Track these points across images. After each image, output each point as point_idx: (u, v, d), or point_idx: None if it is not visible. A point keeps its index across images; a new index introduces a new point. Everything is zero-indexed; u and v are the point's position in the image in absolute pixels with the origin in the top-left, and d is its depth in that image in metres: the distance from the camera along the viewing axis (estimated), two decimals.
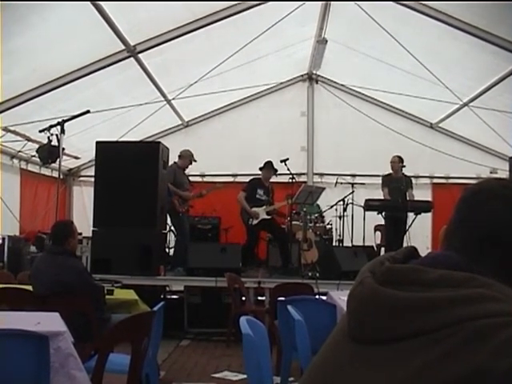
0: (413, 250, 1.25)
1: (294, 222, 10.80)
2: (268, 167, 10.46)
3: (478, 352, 0.94)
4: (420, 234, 11.30)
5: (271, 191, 10.64)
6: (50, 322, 3.78)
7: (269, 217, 10.35)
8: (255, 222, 10.21)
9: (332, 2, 9.96)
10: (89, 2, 7.52)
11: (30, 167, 11.98)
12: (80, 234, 9.13)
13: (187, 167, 10.42)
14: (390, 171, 10.97)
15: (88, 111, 7.79)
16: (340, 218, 11.62)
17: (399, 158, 10.80)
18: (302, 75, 14.00)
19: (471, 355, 0.95)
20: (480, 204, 1.20)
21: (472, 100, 11.15)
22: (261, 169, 10.57)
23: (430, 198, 12.67)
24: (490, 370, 0.92)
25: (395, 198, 10.59)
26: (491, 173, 13.06)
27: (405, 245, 9.90)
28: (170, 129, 13.95)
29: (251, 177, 10.94)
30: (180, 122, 13.91)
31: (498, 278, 1.08)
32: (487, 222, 1.17)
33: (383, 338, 1.06)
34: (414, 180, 11.58)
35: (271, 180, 10.96)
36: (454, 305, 1.01)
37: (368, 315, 1.10)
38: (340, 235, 11.66)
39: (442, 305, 1.02)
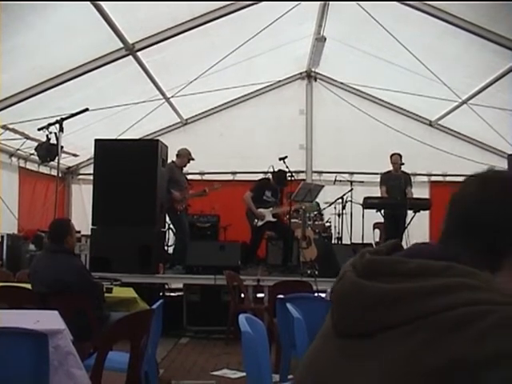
0: (397, 243, 1.25)
1: (292, 220, 10.78)
2: (277, 178, 10.25)
3: (458, 341, 0.95)
4: (418, 231, 11.28)
5: (280, 192, 10.58)
6: (49, 320, 3.78)
7: (274, 219, 10.30)
8: (260, 223, 10.17)
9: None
10: (87, 2, 7.51)
11: (29, 165, 11.98)
12: (79, 232, 9.16)
13: (185, 166, 10.40)
14: (389, 169, 10.98)
15: (87, 109, 7.79)
16: (339, 215, 11.64)
17: (400, 155, 10.82)
18: (300, 73, 14.01)
19: (451, 344, 0.95)
20: (463, 194, 1.21)
21: (471, 97, 11.15)
22: (272, 176, 10.44)
23: (428, 196, 12.68)
24: (469, 359, 0.92)
25: (394, 196, 10.61)
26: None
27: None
28: (168, 127, 13.96)
29: (250, 175, 10.93)
30: (179, 120, 13.92)
31: (477, 266, 1.08)
32: (467, 211, 1.18)
33: (364, 330, 1.07)
34: (412, 178, 11.59)
35: None
36: (433, 294, 1.01)
37: (349, 308, 1.11)
38: (339, 233, 11.68)
39: (421, 294, 1.02)
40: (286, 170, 10.13)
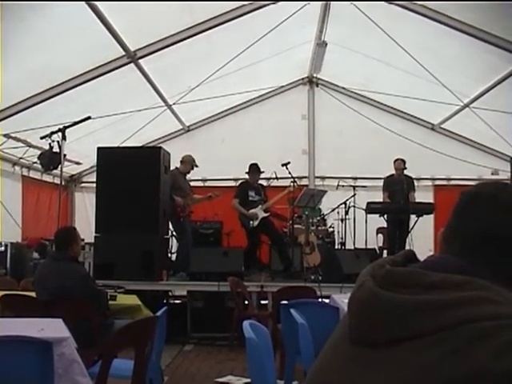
0: (411, 253, 1.25)
1: (295, 226, 10.79)
2: (253, 171, 10.43)
3: (477, 354, 0.95)
4: (422, 235, 11.28)
5: (262, 190, 10.62)
6: (53, 328, 3.78)
7: (267, 214, 10.34)
8: (256, 223, 10.19)
9: (332, 4, 9.95)
10: (88, 9, 7.52)
11: (32, 174, 11.99)
12: (82, 239, 9.15)
13: (189, 172, 10.41)
14: (392, 172, 10.98)
15: (89, 117, 7.79)
16: (342, 220, 11.64)
17: (403, 161, 10.82)
18: (302, 78, 14.02)
19: (470, 357, 0.95)
20: (477, 208, 1.20)
21: (473, 101, 11.14)
22: (247, 173, 10.55)
23: (431, 200, 12.65)
24: (489, 372, 0.92)
25: (397, 200, 10.60)
26: (493, 174, 13.07)
27: (407, 247, 9.91)
28: (171, 134, 13.98)
29: None
30: (181, 127, 13.93)
31: (496, 281, 1.08)
32: (485, 226, 1.17)
33: (384, 340, 1.07)
34: (415, 182, 11.58)
35: (273, 184, 11.02)
36: (453, 307, 1.01)
37: (368, 318, 1.11)
38: (342, 238, 11.68)
39: (441, 307, 1.02)
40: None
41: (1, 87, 8.23)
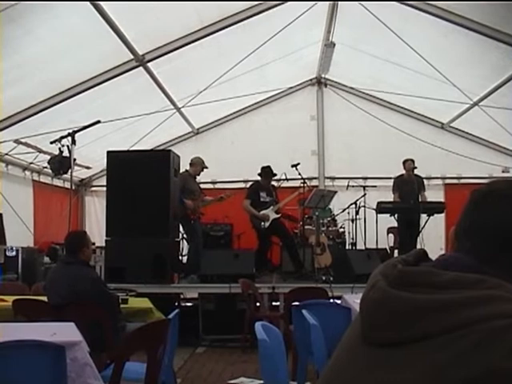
0: (423, 252, 1.25)
1: (306, 227, 10.79)
2: (265, 174, 10.41)
3: (491, 353, 0.95)
4: (433, 235, 11.26)
5: (273, 191, 10.61)
6: (65, 332, 3.79)
7: (278, 215, 10.33)
8: (267, 224, 10.19)
9: (339, 4, 9.95)
10: (97, 13, 7.54)
11: (43, 179, 12.04)
12: (93, 243, 9.17)
13: (199, 174, 10.42)
14: (402, 172, 10.95)
15: (98, 121, 7.82)
16: (352, 221, 11.62)
17: (413, 161, 10.79)
18: (310, 79, 14.02)
19: (484, 356, 0.95)
20: (490, 206, 1.19)
21: (482, 99, 11.09)
22: (259, 175, 10.54)
23: (442, 199, 12.61)
24: (502, 370, 0.92)
25: (407, 200, 10.57)
26: (503, 172, 13.02)
27: (418, 246, 9.88)
28: (180, 137, 14.00)
29: None
30: (190, 130, 13.95)
31: (510, 280, 1.07)
32: (499, 225, 1.16)
33: (396, 340, 1.06)
34: (426, 181, 11.55)
35: (283, 185, 11.03)
36: (467, 306, 1.01)
37: (381, 318, 1.10)
38: (353, 238, 11.65)
39: (455, 306, 1.02)
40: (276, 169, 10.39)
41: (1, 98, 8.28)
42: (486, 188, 1.24)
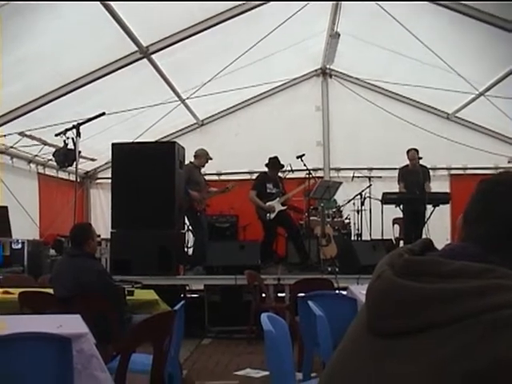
0: (429, 241, 1.24)
1: (311, 218, 10.79)
2: (273, 165, 10.38)
3: (497, 342, 0.93)
4: (439, 225, 11.24)
5: (280, 182, 10.61)
6: (71, 324, 3.80)
7: (284, 207, 10.32)
8: (273, 215, 10.18)
9: None
10: (101, 6, 7.53)
11: (48, 171, 12.06)
12: (99, 236, 9.19)
13: (203, 166, 10.42)
14: (407, 163, 10.93)
15: (103, 113, 7.81)
16: (358, 212, 11.61)
17: (416, 150, 10.75)
18: (315, 70, 13.98)
19: (491, 346, 0.94)
20: (499, 196, 1.18)
21: (488, 89, 11.04)
22: (266, 165, 10.52)
23: (448, 190, 12.59)
24: (509, 361, 0.91)
25: (413, 191, 10.55)
26: (509, 162, 12.98)
27: (424, 237, 9.86)
28: (185, 128, 13.99)
29: None
30: (195, 121, 13.94)
31: None
32: (507, 214, 1.15)
33: (403, 330, 1.05)
34: (431, 172, 11.52)
35: (289, 176, 11.02)
36: (474, 296, 1.00)
37: (388, 308, 1.09)
38: (358, 229, 11.65)
39: (462, 296, 1.01)
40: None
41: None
42: (495, 178, 1.23)
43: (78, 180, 9.05)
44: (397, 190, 10.95)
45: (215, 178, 13.36)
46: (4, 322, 3.77)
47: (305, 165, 10.30)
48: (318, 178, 11.82)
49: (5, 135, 9.74)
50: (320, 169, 13.89)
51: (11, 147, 10.37)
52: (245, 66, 10.91)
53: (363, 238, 11.40)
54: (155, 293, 6.68)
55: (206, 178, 11.08)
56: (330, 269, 9.31)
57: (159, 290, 7.01)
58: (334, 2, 10.24)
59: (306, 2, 9.44)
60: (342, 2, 10.12)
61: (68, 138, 7.38)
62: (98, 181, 14.53)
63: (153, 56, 9.40)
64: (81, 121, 7.49)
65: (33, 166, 11.53)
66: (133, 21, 8.26)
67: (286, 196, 10.40)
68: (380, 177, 12.56)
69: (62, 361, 3.21)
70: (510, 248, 1.13)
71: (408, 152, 10.84)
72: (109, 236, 9.60)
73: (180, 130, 13.91)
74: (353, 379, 1.14)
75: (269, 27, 9.70)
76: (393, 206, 10.78)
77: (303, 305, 5.31)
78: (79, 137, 7.37)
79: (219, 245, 9.99)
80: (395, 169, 11.55)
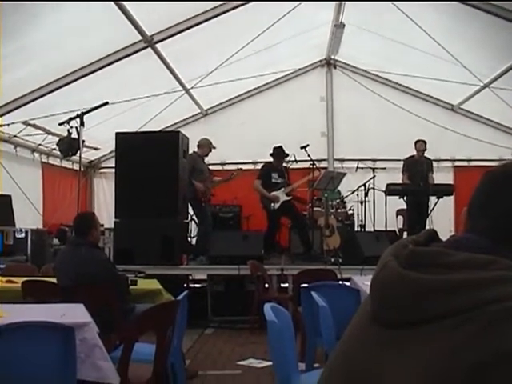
0: (434, 232, 1.23)
1: (315, 209, 10.78)
2: (277, 154, 10.38)
3: (502, 334, 0.93)
4: (443, 217, 11.22)
5: (285, 172, 10.59)
6: (74, 313, 3.81)
7: (289, 198, 10.32)
8: (277, 205, 10.18)
9: None
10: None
11: (51, 160, 12.07)
12: (102, 225, 9.20)
13: (207, 155, 10.42)
14: (412, 154, 10.93)
15: (107, 103, 7.80)
16: (361, 203, 11.61)
17: (424, 142, 10.77)
18: (320, 60, 13.95)
19: (496, 337, 0.93)
20: (505, 187, 1.17)
21: (493, 81, 11.01)
22: (271, 155, 10.51)
23: (451, 181, 12.57)
24: None
25: (416, 182, 10.54)
26: None
27: (428, 228, 9.86)
28: (189, 118, 13.97)
29: None
30: (199, 111, 13.92)
31: None
32: None
33: (408, 320, 1.05)
34: (435, 163, 11.52)
35: (292, 166, 11.01)
36: (478, 287, 1.00)
37: (392, 299, 1.09)
38: (362, 220, 11.65)
39: (466, 287, 1.01)
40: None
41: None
42: (501, 169, 1.22)
43: (82, 169, 9.03)
44: (400, 181, 10.94)
45: (219, 167, 13.36)
46: (7, 310, 3.78)
47: (309, 155, 10.28)
48: (322, 168, 11.80)
49: (8, 124, 9.74)
50: (324, 159, 13.86)
51: (15, 136, 10.36)
52: (249, 55, 10.88)
53: (367, 229, 11.40)
54: (158, 282, 6.68)
55: (210, 167, 11.09)
56: (333, 259, 9.32)
57: (162, 279, 7.01)
58: None
59: None
60: None
61: (72, 127, 7.38)
62: (102, 170, 14.54)
63: (157, 45, 9.38)
64: (85, 110, 7.49)
65: (36, 155, 11.53)
66: (137, 10, 8.24)
67: (290, 186, 10.41)
68: (384, 168, 12.54)
69: (65, 350, 3.22)
70: None
71: (416, 143, 10.86)
72: (112, 225, 9.60)
73: (184, 120, 13.88)
74: (357, 369, 1.13)
75: (274, 17, 9.67)
76: (396, 197, 10.77)
77: (306, 295, 5.31)
78: (83, 126, 7.37)
79: (222, 235, 10.00)
80: (399, 160, 11.55)
